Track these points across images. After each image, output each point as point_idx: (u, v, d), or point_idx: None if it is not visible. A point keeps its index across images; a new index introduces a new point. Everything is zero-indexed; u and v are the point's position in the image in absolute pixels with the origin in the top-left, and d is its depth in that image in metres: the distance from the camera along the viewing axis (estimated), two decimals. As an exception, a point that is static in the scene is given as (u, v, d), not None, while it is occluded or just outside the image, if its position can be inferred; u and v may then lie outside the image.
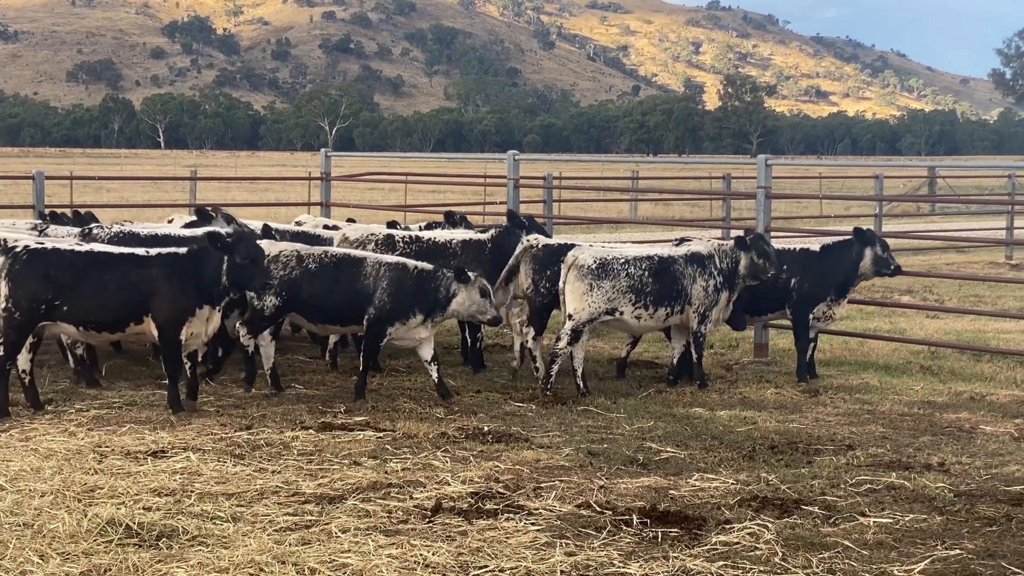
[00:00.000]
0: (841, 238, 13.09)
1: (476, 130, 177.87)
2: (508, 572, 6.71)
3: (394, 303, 11.36)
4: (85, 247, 10.81)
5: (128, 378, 12.38)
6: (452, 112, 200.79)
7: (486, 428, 10.22)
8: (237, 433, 9.88)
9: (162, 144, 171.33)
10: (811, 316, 12.83)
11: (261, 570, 6.63)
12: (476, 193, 35.55)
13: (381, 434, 9.97)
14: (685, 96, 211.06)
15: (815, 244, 13.33)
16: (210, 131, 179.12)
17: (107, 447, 9.36)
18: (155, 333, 10.63)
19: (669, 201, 43.05)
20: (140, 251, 10.80)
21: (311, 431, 10.00)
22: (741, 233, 12.56)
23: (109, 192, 46.54)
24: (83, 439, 9.59)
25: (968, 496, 8.41)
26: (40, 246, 10.64)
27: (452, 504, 7.98)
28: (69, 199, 30.62)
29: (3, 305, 10.41)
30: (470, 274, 11.44)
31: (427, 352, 11.60)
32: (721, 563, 6.90)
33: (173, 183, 47.46)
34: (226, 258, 10.61)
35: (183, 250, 10.79)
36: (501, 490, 8.34)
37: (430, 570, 6.71)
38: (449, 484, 8.46)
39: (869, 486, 8.63)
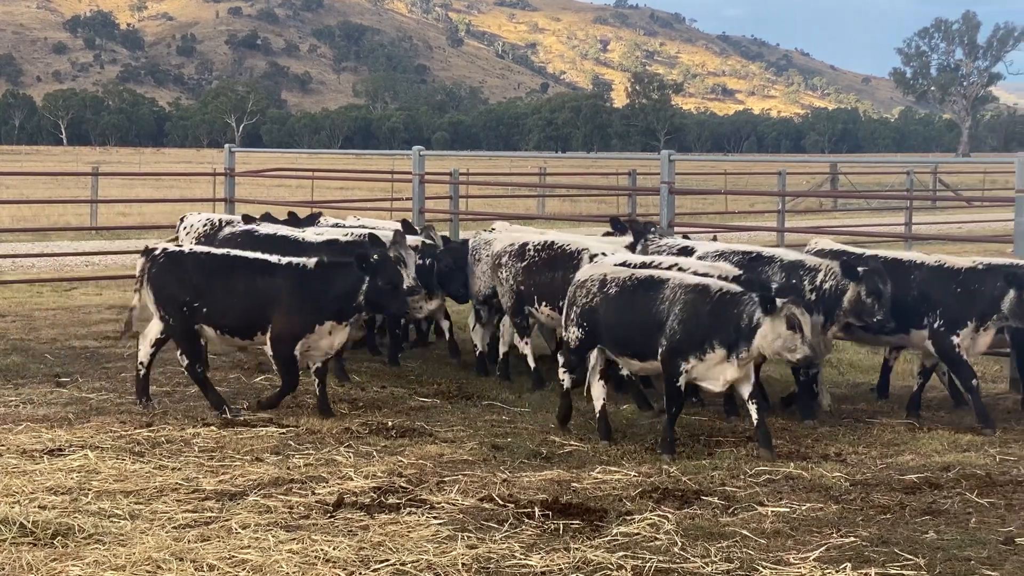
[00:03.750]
0: (996, 261, 11.18)
1: (385, 127, 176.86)
2: (409, 566, 6.71)
3: (686, 333, 9.38)
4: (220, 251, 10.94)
5: (25, 376, 12.17)
6: (360, 109, 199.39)
7: (390, 423, 10.21)
8: (137, 431, 9.77)
9: (64, 141, 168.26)
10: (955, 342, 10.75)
11: (158, 567, 6.57)
12: (384, 189, 35.49)
13: (284, 430, 9.92)
14: (593, 94, 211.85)
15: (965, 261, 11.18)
16: (114, 128, 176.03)
17: (2, 446, 9.19)
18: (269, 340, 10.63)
19: (576, 197, 43.24)
20: (272, 258, 10.78)
21: (213, 428, 9.92)
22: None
23: (9, 189, 45.61)
24: (-23, 438, 9.42)
25: (863, 485, 8.58)
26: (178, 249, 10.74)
27: (354, 499, 7.96)
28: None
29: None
30: (777, 301, 9.10)
31: (745, 390, 9.49)
32: (621, 554, 6.96)
33: (75, 179, 46.67)
34: (367, 279, 10.52)
35: (311, 262, 10.67)
36: (404, 484, 8.34)
37: (331, 565, 6.69)
38: (352, 479, 8.44)
39: (768, 476, 8.77)
